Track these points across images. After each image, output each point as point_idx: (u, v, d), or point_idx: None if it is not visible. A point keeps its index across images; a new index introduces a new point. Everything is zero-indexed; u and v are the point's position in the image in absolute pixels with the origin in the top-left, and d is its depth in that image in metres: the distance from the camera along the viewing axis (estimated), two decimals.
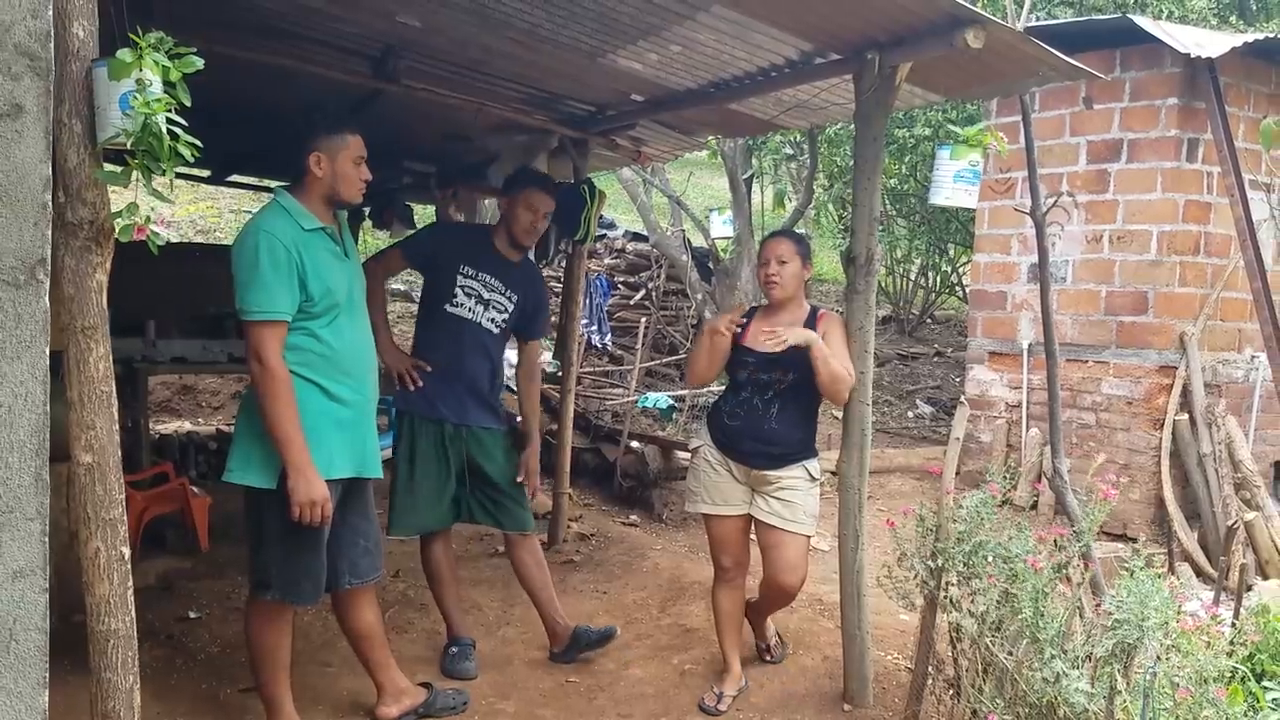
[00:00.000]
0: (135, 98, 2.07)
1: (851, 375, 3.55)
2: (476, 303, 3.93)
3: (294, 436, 2.93)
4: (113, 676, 2.27)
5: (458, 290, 3.90)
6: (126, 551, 2.27)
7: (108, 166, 2.18)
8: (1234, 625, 3.34)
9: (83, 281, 2.18)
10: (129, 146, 2.11)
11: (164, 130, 2.09)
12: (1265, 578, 5.48)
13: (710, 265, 10.40)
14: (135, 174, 2.14)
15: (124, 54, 2.08)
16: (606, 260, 10.73)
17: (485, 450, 3.96)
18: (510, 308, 4.00)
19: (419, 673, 3.94)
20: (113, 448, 2.22)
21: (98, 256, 2.18)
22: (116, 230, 2.18)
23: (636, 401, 7.74)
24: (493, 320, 3.97)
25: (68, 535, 4.02)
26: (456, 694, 3.69)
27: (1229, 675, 2.81)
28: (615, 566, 5.32)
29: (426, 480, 3.90)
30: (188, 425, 7.93)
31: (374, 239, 10.79)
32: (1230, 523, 5.54)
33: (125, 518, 2.28)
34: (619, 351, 9.86)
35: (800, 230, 9.79)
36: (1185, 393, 6.28)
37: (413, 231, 4.10)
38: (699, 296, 10.01)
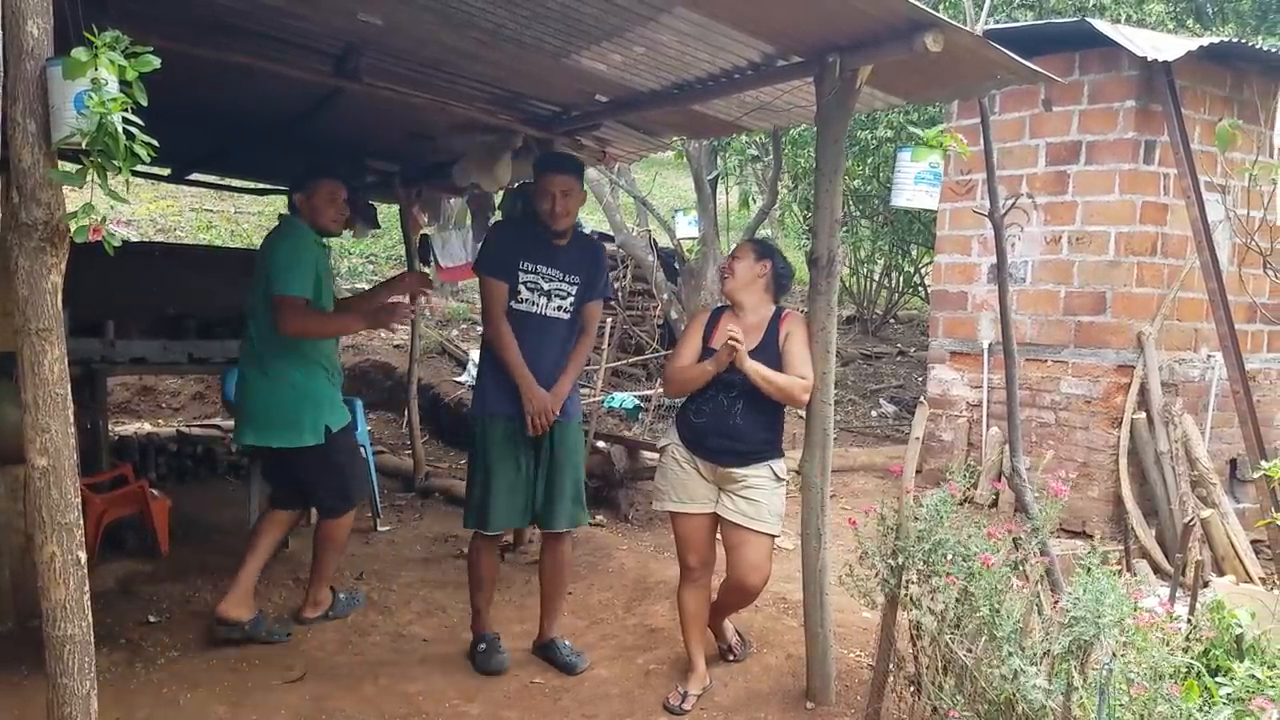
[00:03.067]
0: (91, 97, 2.05)
1: (806, 380, 3.59)
2: (539, 295, 4.02)
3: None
4: (69, 682, 2.25)
5: (521, 287, 3.99)
6: (83, 556, 2.25)
7: (63, 166, 2.16)
8: (1190, 621, 3.39)
9: (37, 283, 2.15)
10: (84, 146, 2.09)
11: (120, 130, 2.07)
12: (1221, 574, 5.57)
13: (676, 265, 10.41)
14: (91, 174, 2.12)
15: (79, 53, 2.06)
16: None
17: (557, 442, 4.04)
18: (573, 292, 4.09)
19: (381, 676, 3.93)
20: (68, 451, 2.20)
21: (52, 258, 2.16)
22: (71, 231, 2.16)
23: (602, 402, 7.75)
24: (559, 308, 4.06)
25: (25, 539, 3.99)
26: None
27: (1184, 671, 2.85)
28: (581, 567, 5.32)
29: (505, 478, 3.98)
30: (148, 427, 7.84)
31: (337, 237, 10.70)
32: (1187, 520, 5.63)
33: (81, 522, 2.25)
34: None
35: (765, 231, 9.84)
36: (1143, 392, 6.36)
37: (480, 257, 4.18)
38: (665, 297, 10.03)
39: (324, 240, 4.32)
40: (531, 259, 4.00)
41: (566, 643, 4.19)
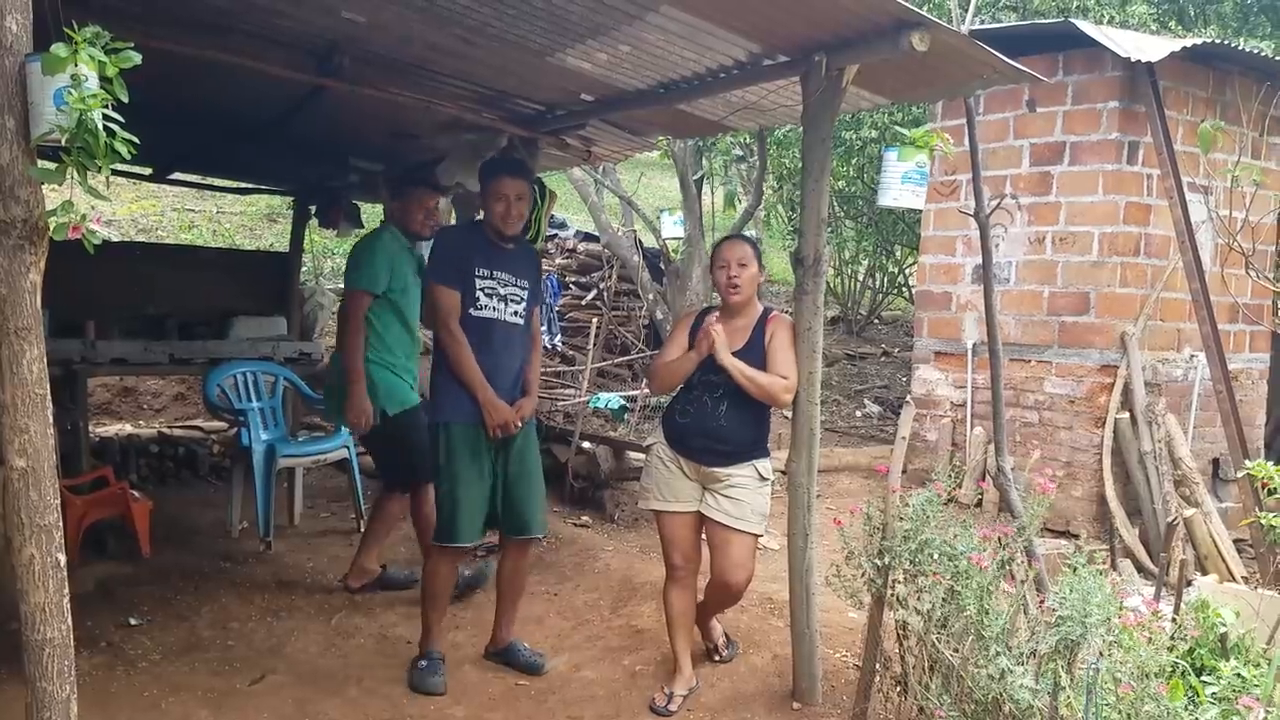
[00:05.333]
0: (70, 93, 2.03)
1: (787, 380, 3.59)
2: (498, 301, 3.92)
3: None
4: (49, 686, 2.23)
5: (479, 293, 3.87)
6: (62, 558, 2.22)
7: (42, 164, 2.14)
8: (1174, 620, 3.39)
9: (16, 281, 2.13)
10: (64, 143, 2.07)
11: (100, 127, 2.05)
12: (1204, 573, 5.59)
13: (661, 266, 10.40)
14: (70, 171, 2.09)
15: (59, 49, 2.03)
16: (558, 260, 10.69)
17: (523, 448, 3.98)
18: (524, 296, 4.02)
19: (365, 679, 3.90)
20: (47, 452, 2.17)
21: (31, 256, 2.13)
22: (51, 229, 2.13)
23: (588, 402, 7.72)
24: (515, 313, 3.98)
25: (4, 541, 3.94)
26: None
27: (1170, 670, 2.86)
28: (567, 568, 5.31)
29: (474, 487, 3.86)
30: (128, 428, 7.77)
31: (319, 236, 10.68)
32: (1170, 519, 5.65)
33: (61, 524, 2.23)
34: (570, 352, 9.84)
35: (750, 231, 9.84)
36: (1126, 392, 6.39)
37: (430, 264, 4.06)
38: (650, 297, 10.02)
39: (411, 244, 4.70)
40: (486, 264, 3.90)
41: (525, 644, 4.15)
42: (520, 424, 3.92)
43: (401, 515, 4.92)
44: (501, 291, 3.93)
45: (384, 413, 4.48)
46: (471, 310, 3.87)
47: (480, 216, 4.11)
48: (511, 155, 4.85)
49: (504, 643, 4.13)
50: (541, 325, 9.45)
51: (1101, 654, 2.66)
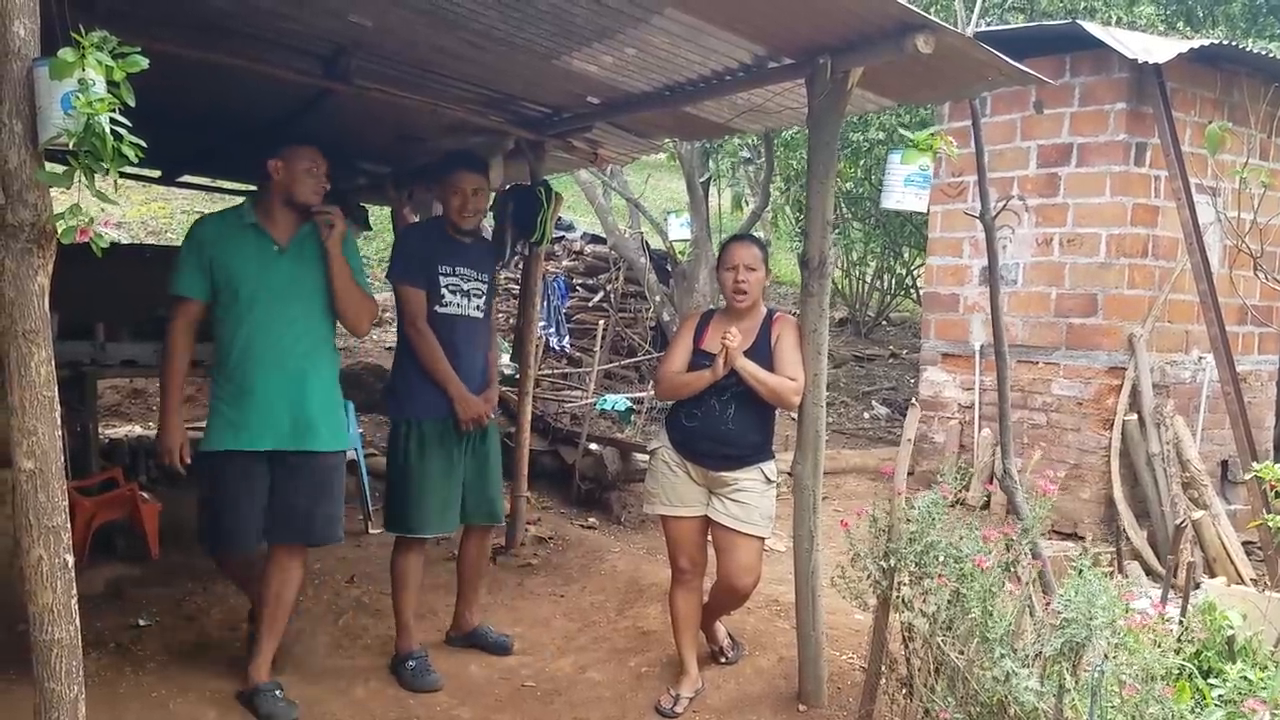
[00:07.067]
0: (78, 97, 2.04)
1: (797, 382, 3.59)
2: (461, 296, 3.98)
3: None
4: (57, 687, 2.24)
5: (444, 291, 3.93)
6: (70, 559, 2.23)
7: (50, 167, 2.15)
8: (1182, 623, 3.39)
9: (24, 284, 2.14)
10: (72, 147, 2.08)
11: (107, 130, 2.06)
12: (1212, 576, 5.57)
13: (668, 268, 10.42)
14: (78, 175, 2.11)
15: (66, 53, 2.05)
16: (565, 262, 10.72)
17: (485, 439, 4.06)
18: (484, 290, 4.08)
19: (372, 680, 3.91)
20: (55, 454, 2.19)
21: (39, 259, 2.15)
22: (59, 232, 2.15)
23: (595, 404, 7.73)
24: (477, 307, 4.04)
25: (12, 543, 3.96)
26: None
27: (1176, 673, 2.85)
28: (573, 569, 5.32)
29: (442, 482, 3.93)
30: (138, 430, 7.80)
31: None
32: (1178, 521, 5.63)
33: (69, 525, 2.24)
34: (577, 354, 9.85)
35: (757, 233, 9.84)
36: (1134, 393, 6.37)
37: (393, 264, 4.03)
38: (657, 299, 10.03)
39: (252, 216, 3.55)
40: (449, 261, 3.95)
41: (491, 626, 4.25)
42: (491, 416, 4.03)
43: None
44: (465, 287, 3.99)
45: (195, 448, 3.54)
46: (437, 308, 3.92)
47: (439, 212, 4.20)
48: (469, 149, 4.81)
49: (469, 627, 4.24)
50: (549, 327, 9.50)
51: (1107, 656, 2.66)
